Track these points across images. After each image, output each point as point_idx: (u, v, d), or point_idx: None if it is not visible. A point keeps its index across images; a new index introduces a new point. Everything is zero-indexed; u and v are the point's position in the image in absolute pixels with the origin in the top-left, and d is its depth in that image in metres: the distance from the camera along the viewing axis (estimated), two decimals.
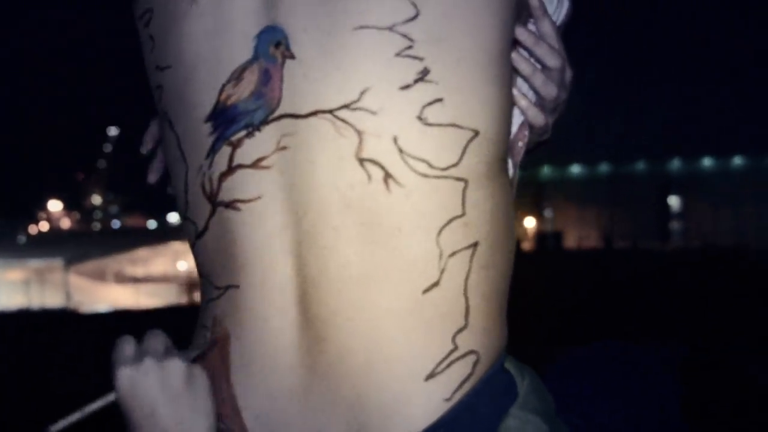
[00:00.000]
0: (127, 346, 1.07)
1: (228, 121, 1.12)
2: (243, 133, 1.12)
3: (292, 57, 1.09)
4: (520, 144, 1.25)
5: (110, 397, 1.08)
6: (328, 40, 1.07)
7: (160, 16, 1.19)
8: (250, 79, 1.11)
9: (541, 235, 52.50)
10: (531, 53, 1.21)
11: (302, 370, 1.12)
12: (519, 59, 1.19)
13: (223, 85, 1.12)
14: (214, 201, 1.15)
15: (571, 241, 53.15)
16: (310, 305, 1.11)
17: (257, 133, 1.11)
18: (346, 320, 1.09)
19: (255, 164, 1.12)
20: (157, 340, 1.09)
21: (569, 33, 1.30)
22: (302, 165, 1.10)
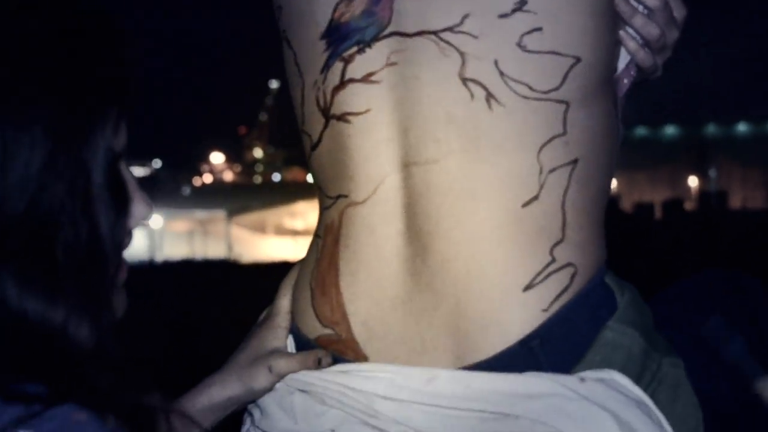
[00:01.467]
0: None
1: (341, 38, 1.17)
2: (354, 49, 1.16)
3: None
4: (626, 81, 1.25)
5: None
6: None
7: None
8: None
9: (704, 195, 51.20)
10: None
11: (406, 277, 1.16)
12: (618, 1, 1.19)
13: (337, 4, 1.17)
14: (327, 114, 1.19)
15: (736, 201, 51.72)
16: (415, 216, 1.15)
17: (368, 50, 1.16)
18: (449, 230, 1.13)
19: (365, 78, 1.16)
20: None
21: None
22: (409, 81, 1.14)
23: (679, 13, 1.24)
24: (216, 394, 1.20)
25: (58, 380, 0.83)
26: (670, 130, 67.70)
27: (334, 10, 1.17)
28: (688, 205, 46.90)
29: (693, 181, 59.72)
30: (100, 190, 0.90)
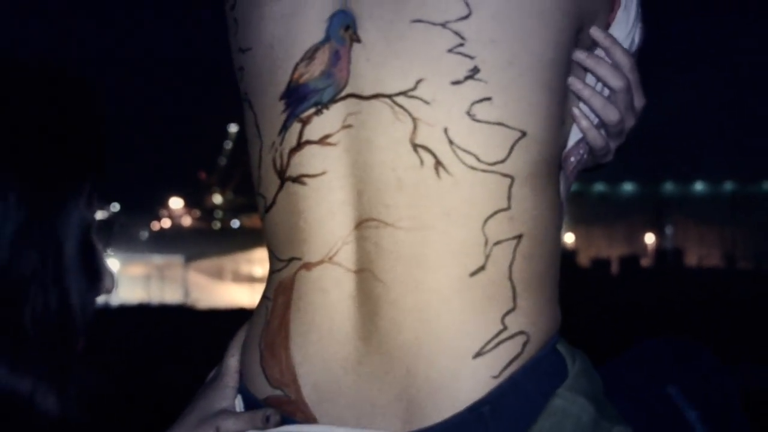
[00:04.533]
0: None
1: (300, 99, 1.17)
2: (312, 110, 1.17)
3: (359, 40, 1.15)
4: (572, 159, 1.26)
5: None
6: (389, 29, 1.13)
7: (244, 1, 1.25)
8: (322, 59, 1.16)
9: (661, 252, 51.57)
10: (594, 74, 1.22)
11: (357, 341, 1.16)
12: (574, 81, 1.20)
13: (297, 64, 1.18)
14: (283, 176, 1.20)
15: (692, 259, 52.12)
16: (366, 280, 1.15)
17: (325, 111, 1.16)
18: (399, 297, 1.13)
19: (322, 140, 1.17)
20: None
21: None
22: (363, 144, 1.15)
23: (638, 101, 1.25)
24: None
25: None
26: (627, 186, 68.23)
27: (294, 71, 1.18)
28: (645, 262, 47.24)
29: (650, 238, 60.08)
30: (72, 261, 0.90)
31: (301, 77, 1.17)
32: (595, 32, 1.21)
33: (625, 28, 1.27)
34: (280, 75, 1.19)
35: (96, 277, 0.94)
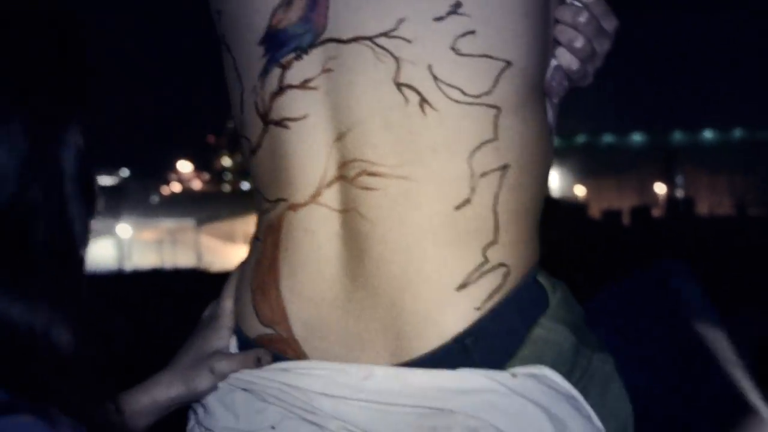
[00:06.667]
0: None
1: (279, 44, 1.19)
2: (292, 55, 1.18)
3: None
4: (554, 83, 1.26)
5: None
6: None
7: None
8: (299, 4, 1.17)
9: (672, 202, 51.47)
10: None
11: (345, 278, 1.18)
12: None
13: (275, 9, 1.18)
14: (266, 119, 1.22)
15: (703, 208, 52.05)
16: (352, 219, 1.17)
17: (305, 56, 1.17)
18: (385, 233, 1.16)
19: (302, 85, 1.18)
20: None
21: None
22: (345, 87, 1.16)
23: (609, 24, 1.25)
24: (159, 394, 1.22)
25: (26, 388, 0.84)
26: (636, 137, 68.08)
27: (272, 16, 1.19)
28: (656, 212, 47.15)
29: (660, 188, 60.04)
30: (73, 189, 0.92)
31: (279, 22, 1.18)
32: None
33: None
34: (258, 20, 1.20)
35: (92, 202, 0.96)
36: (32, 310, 0.86)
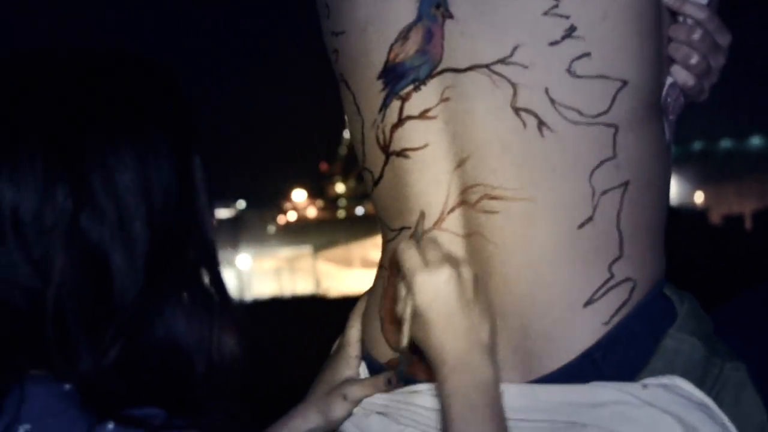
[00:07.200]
0: (416, 253, 1.10)
1: (397, 77, 1.23)
2: (410, 87, 1.22)
3: (451, 16, 1.18)
4: (670, 101, 1.27)
5: None
6: (481, 1, 1.16)
7: None
8: (416, 39, 1.20)
9: None
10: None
11: None
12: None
13: (392, 45, 1.22)
14: (387, 150, 1.25)
15: None
16: (476, 241, 1.20)
17: (423, 87, 1.21)
18: (510, 255, 1.18)
19: (422, 115, 1.22)
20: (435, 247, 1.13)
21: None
22: (463, 114, 1.19)
23: (723, 39, 1.26)
24: (297, 426, 1.27)
25: (179, 405, 0.88)
26: (755, 140, 66.31)
27: (389, 52, 1.22)
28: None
29: None
30: (204, 203, 0.98)
31: (396, 57, 1.22)
32: None
33: None
34: (376, 56, 1.23)
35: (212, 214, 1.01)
36: (210, 333, 0.92)
